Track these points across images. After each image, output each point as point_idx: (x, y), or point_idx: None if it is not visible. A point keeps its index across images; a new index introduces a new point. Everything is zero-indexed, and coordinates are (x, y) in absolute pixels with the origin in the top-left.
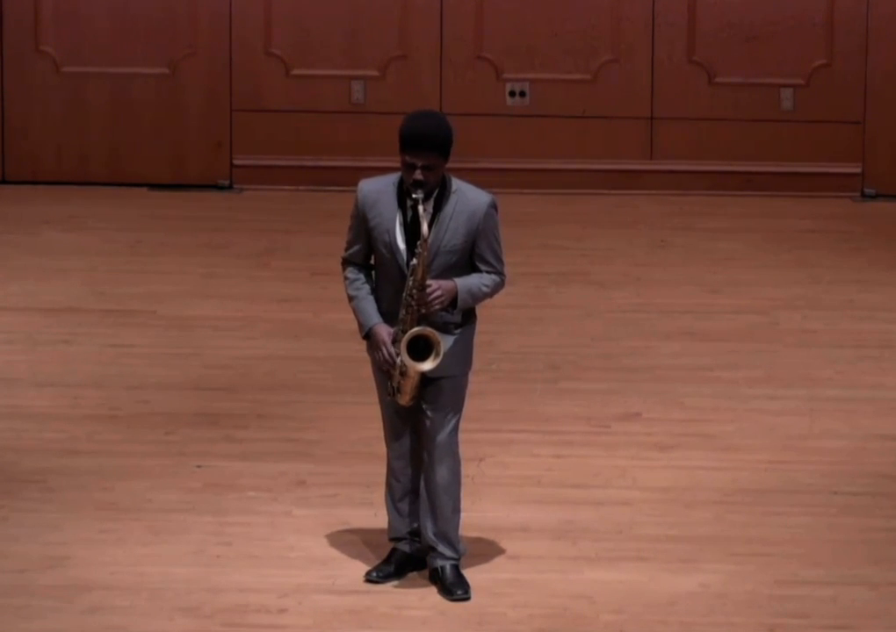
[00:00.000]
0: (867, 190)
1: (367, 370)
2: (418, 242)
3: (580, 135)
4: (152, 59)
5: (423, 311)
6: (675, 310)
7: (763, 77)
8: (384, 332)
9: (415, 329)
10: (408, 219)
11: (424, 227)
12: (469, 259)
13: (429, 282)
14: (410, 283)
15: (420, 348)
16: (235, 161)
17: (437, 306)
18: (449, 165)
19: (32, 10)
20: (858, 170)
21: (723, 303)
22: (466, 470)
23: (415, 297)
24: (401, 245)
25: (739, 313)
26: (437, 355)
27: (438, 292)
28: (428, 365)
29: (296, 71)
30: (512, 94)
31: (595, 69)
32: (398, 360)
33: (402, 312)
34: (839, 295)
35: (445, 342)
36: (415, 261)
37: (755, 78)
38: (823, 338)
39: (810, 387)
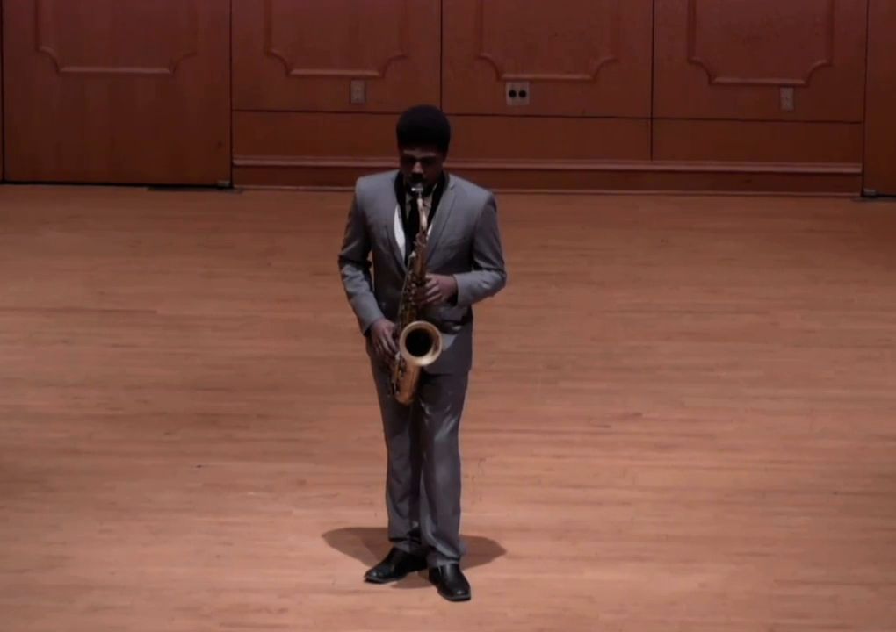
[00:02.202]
0: (867, 190)
1: (367, 370)
2: (417, 235)
3: (580, 135)
4: (152, 59)
5: (420, 306)
6: (675, 310)
7: (763, 77)
8: (384, 326)
9: (414, 324)
10: (407, 215)
11: (423, 220)
12: (468, 256)
13: (427, 276)
14: (409, 276)
15: (419, 344)
16: (235, 161)
17: (434, 301)
18: (449, 165)
19: (32, 10)
20: (858, 170)
21: (723, 303)
22: (466, 469)
23: (413, 291)
24: (400, 241)
25: (739, 313)
26: (436, 349)
27: (436, 288)
28: (427, 360)
29: (296, 71)
30: (512, 94)
31: (595, 69)
32: (397, 355)
33: (401, 306)
34: (839, 295)
35: (444, 340)
36: (413, 254)
37: (755, 78)
38: (823, 338)
39: (810, 387)
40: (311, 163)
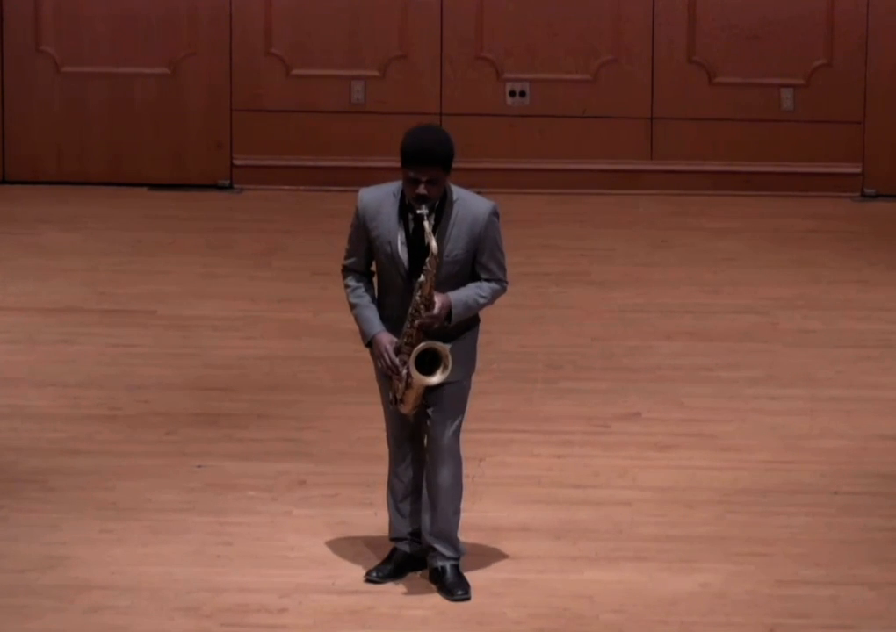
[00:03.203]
0: (867, 190)
1: (367, 370)
2: (427, 259)
3: (580, 135)
4: (152, 59)
5: (424, 328)
6: (675, 310)
7: (763, 77)
8: (386, 340)
9: (424, 344)
10: (410, 230)
11: (433, 244)
12: (472, 267)
13: (435, 297)
14: (417, 298)
15: (427, 362)
16: (235, 161)
17: (436, 325)
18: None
19: (32, 10)
20: (858, 170)
21: (723, 303)
22: (467, 469)
23: (422, 313)
24: (403, 256)
25: (739, 313)
26: (446, 368)
27: (441, 313)
28: (436, 379)
29: (296, 71)
30: (512, 94)
31: (595, 69)
32: (403, 371)
33: (407, 324)
34: (839, 295)
35: (450, 348)
36: (422, 277)
37: (755, 78)
38: (823, 338)
39: (810, 387)
40: (311, 163)
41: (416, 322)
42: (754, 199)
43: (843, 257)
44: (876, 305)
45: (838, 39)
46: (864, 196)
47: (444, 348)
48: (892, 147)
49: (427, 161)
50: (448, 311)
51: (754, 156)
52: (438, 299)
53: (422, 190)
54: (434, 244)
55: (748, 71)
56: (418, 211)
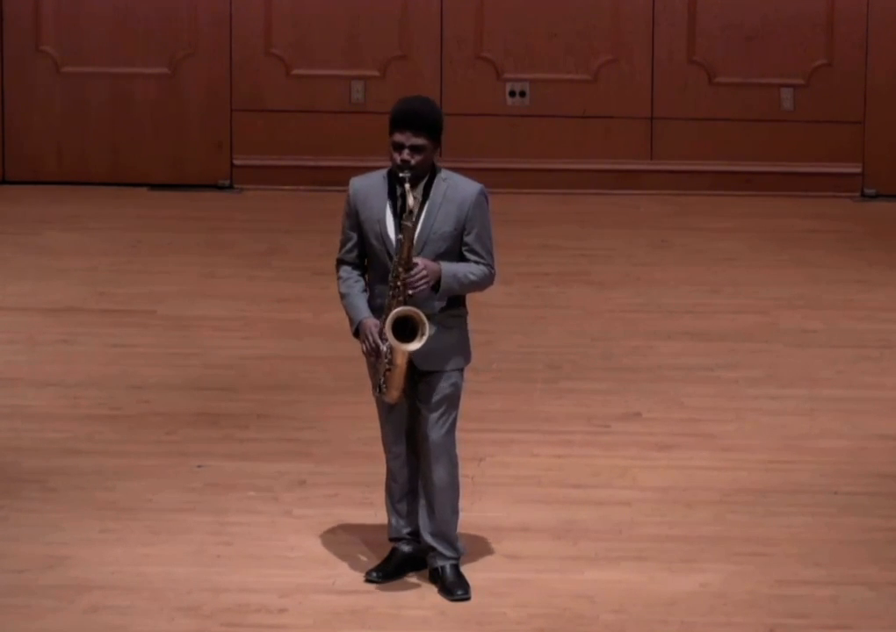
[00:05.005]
0: (867, 190)
1: (366, 370)
2: (403, 215)
3: (580, 135)
4: (152, 59)
5: (411, 292)
6: (675, 310)
7: (763, 77)
8: (371, 324)
9: (399, 309)
10: (398, 209)
11: (410, 200)
12: (460, 250)
13: (415, 260)
14: (396, 260)
15: (406, 333)
16: (235, 161)
17: (422, 286)
18: (450, 165)
19: (32, 10)
20: (858, 170)
21: (723, 303)
22: (466, 470)
23: (401, 276)
24: (392, 234)
25: (739, 313)
26: (423, 335)
27: (424, 272)
28: (414, 345)
29: (296, 71)
30: (512, 94)
31: (595, 69)
32: (384, 347)
33: (389, 295)
34: (839, 295)
35: (439, 337)
36: (400, 236)
37: (755, 78)
38: (823, 338)
39: (810, 387)
40: (311, 163)
41: (399, 282)
42: (754, 199)
43: (843, 257)
44: (876, 305)
45: (838, 39)
46: (864, 196)
47: (420, 314)
48: (892, 147)
49: (413, 125)
50: (437, 276)
51: (754, 156)
52: (423, 261)
53: (405, 154)
54: (411, 200)
55: (748, 71)
56: (400, 175)
